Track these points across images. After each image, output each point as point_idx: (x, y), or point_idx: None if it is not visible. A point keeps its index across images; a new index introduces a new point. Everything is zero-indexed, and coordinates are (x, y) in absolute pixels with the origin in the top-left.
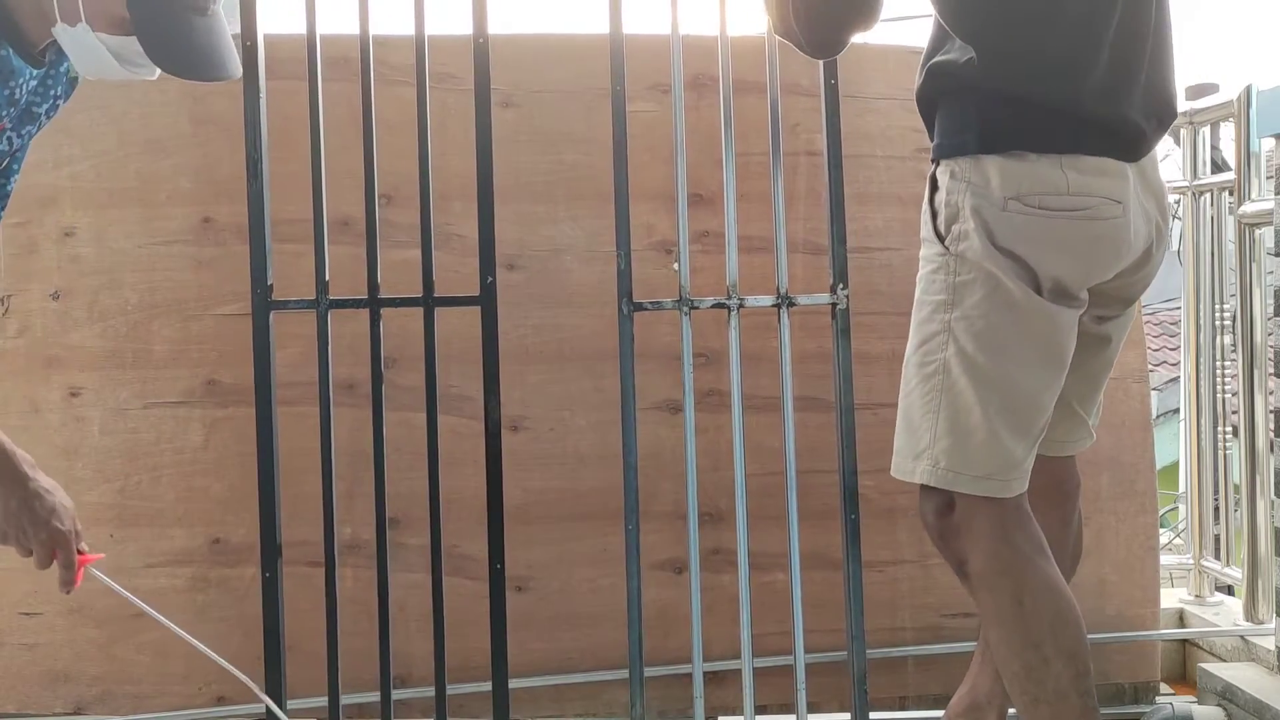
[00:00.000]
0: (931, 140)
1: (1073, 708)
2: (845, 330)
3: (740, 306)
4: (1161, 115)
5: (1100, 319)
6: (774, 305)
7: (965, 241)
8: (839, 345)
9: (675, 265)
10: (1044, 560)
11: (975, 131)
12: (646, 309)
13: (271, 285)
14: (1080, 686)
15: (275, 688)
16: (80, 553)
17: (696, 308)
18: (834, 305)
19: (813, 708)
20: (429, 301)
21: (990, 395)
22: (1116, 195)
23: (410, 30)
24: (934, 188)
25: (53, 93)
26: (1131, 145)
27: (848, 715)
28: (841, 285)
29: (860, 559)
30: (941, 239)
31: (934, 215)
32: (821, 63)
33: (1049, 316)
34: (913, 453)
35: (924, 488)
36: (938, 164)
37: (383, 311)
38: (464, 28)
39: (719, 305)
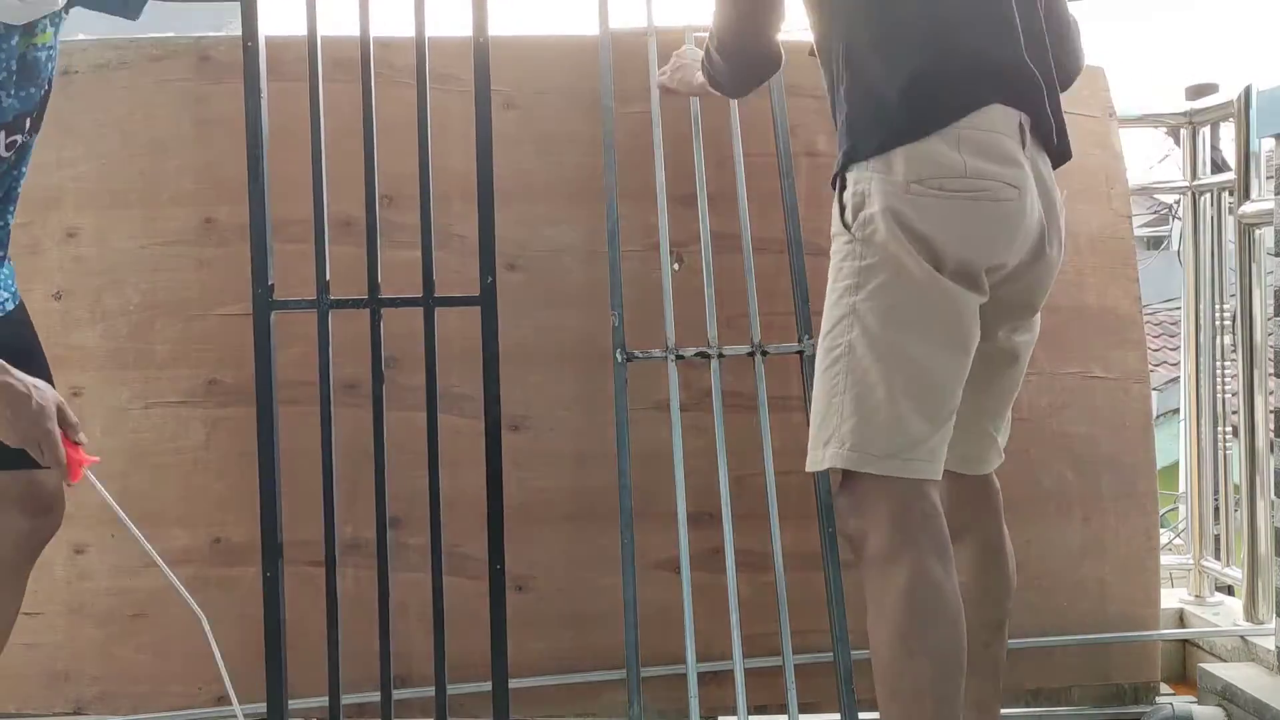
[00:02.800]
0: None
1: (925, 710)
2: (812, 375)
3: (720, 356)
4: (1048, 77)
5: (1012, 330)
6: (749, 354)
7: (871, 226)
8: (808, 388)
9: (676, 265)
10: (936, 561)
11: (876, 134)
12: (639, 359)
13: (273, 285)
14: (939, 691)
15: (276, 687)
16: (77, 445)
17: (682, 358)
18: (801, 353)
19: (813, 707)
20: (429, 301)
21: (894, 373)
22: (1012, 181)
23: (413, 32)
24: (842, 186)
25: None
26: (1021, 94)
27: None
28: (807, 335)
29: (839, 565)
30: (848, 227)
31: (842, 210)
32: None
33: (952, 297)
34: (822, 440)
35: (837, 477)
36: (847, 169)
37: (386, 311)
38: (467, 29)
39: (701, 354)
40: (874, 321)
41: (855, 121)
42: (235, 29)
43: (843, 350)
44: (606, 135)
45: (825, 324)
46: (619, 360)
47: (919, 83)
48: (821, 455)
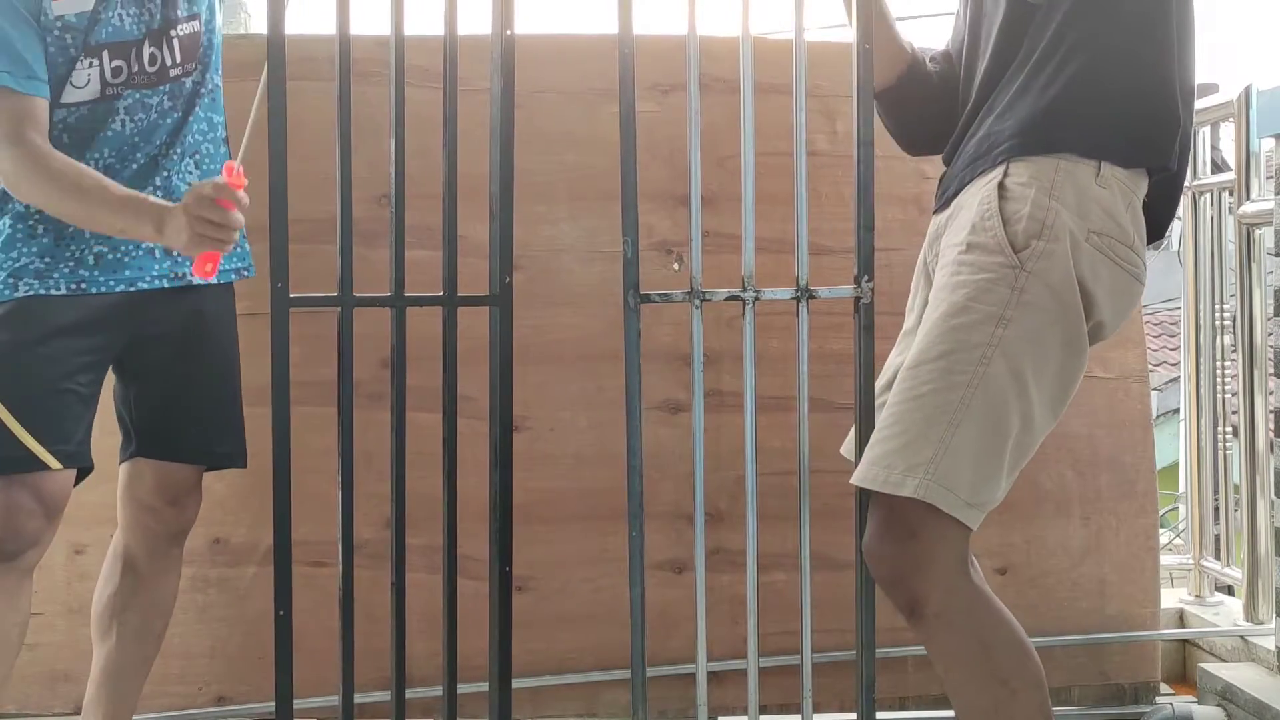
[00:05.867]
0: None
1: None
2: (869, 326)
3: (756, 299)
4: None
5: None
6: (793, 298)
7: (1048, 260)
8: (861, 343)
9: (676, 266)
10: (991, 593)
11: (1108, 138)
12: (654, 301)
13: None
14: (1045, 710)
15: (285, 690)
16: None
17: (709, 300)
18: (857, 299)
19: (814, 707)
20: (450, 301)
21: (1014, 425)
22: (1145, 259)
23: (425, 31)
24: (1002, 194)
25: None
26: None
27: (850, 715)
28: (866, 278)
29: None
30: (1015, 250)
31: (1004, 223)
32: (855, 26)
33: (1084, 361)
34: (905, 464)
35: (884, 516)
36: (1006, 165)
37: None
38: (468, 27)
39: (733, 298)
40: (1020, 364)
41: (1079, 109)
42: (236, 28)
43: (969, 380)
44: (625, 90)
45: (945, 341)
46: (630, 305)
47: (1164, 99)
48: (901, 480)
